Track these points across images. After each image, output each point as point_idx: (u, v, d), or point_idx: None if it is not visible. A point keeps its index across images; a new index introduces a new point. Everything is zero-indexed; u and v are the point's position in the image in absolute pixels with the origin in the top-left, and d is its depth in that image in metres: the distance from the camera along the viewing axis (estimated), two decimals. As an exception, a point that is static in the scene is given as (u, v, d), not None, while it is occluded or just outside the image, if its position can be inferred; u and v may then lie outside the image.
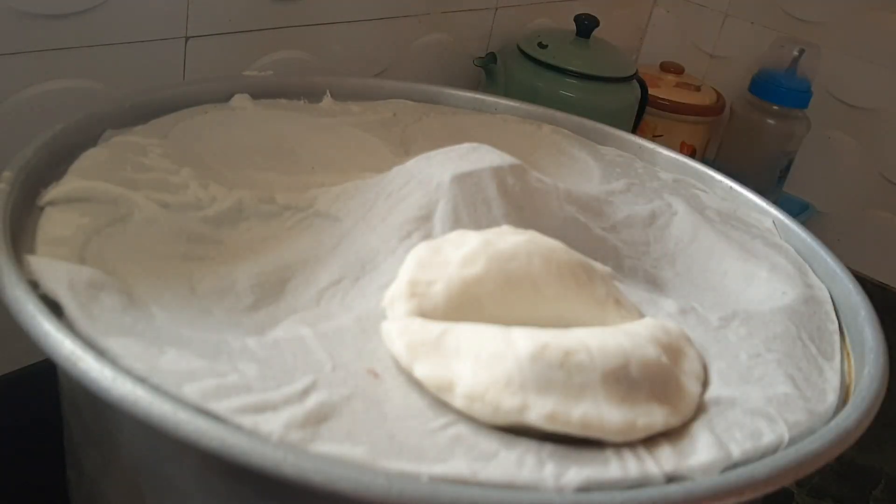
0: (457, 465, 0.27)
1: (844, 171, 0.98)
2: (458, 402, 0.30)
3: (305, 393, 0.29)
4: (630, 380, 0.31)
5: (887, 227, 0.97)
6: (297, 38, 0.65)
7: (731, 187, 0.53)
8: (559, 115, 0.59)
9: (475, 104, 0.60)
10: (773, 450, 0.31)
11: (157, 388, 0.27)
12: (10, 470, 0.53)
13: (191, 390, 0.28)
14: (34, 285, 0.31)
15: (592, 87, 0.79)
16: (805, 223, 0.56)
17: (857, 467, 0.75)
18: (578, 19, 0.82)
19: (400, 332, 0.32)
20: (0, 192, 0.35)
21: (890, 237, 0.98)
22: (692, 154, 0.97)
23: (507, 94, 0.73)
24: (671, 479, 0.29)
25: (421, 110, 0.57)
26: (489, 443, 0.29)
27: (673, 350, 0.34)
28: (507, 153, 0.44)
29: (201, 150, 0.45)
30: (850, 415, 0.33)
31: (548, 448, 0.29)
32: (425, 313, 0.33)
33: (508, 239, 0.36)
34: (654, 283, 0.43)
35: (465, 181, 0.41)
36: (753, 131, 0.96)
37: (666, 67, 1.01)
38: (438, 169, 0.41)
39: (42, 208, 0.37)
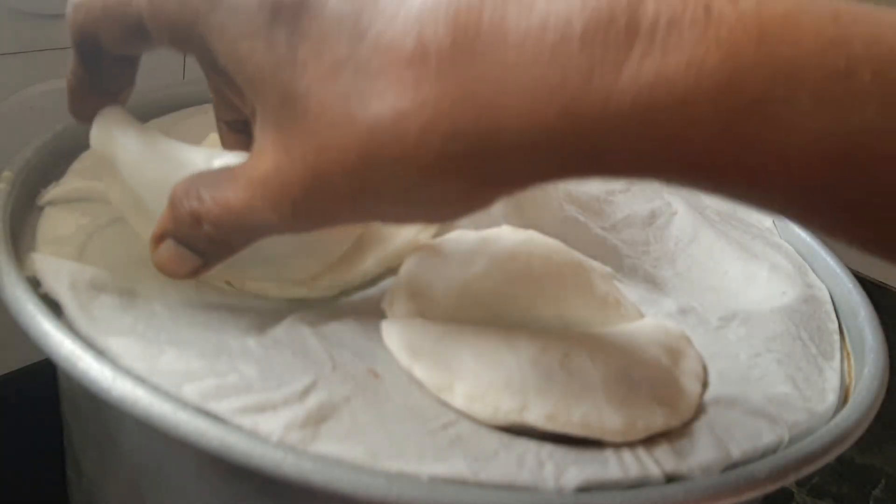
0: (457, 465, 0.27)
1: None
2: (458, 402, 0.30)
3: (305, 393, 0.29)
4: (630, 380, 0.31)
5: (887, 226, 0.97)
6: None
7: (731, 187, 0.53)
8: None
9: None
10: (773, 450, 0.31)
11: (156, 388, 0.27)
12: (10, 470, 0.53)
13: (191, 390, 0.28)
14: (34, 284, 0.31)
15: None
16: (805, 223, 0.55)
17: (857, 467, 0.75)
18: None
19: (400, 332, 0.32)
20: (0, 192, 0.35)
21: (890, 237, 0.98)
22: (692, 154, 0.97)
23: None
24: (671, 479, 0.29)
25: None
26: (489, 443, 0.29)
27: (673, 350, 0.34)
28: (507, 153, 0.44)
29: (201, 150, 0.45)
30: (850, 415, 0.33)
31: (548, 448, 0.29)
32: (425, 313, 0.33)
33: (508, 239, 0.36)
34: (654, 283, 0.43)
35: (465, 181, 0.41)
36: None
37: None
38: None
39: (42, 208, 0.37)
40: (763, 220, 0.51)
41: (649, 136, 0.23)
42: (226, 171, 0.29)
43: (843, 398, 0.36)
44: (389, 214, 0.28)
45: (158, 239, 0.31)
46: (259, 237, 0.29)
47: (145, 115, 0.46)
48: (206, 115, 0.49)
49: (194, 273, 0.31)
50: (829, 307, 0.42)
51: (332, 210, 0.27)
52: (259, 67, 0.26)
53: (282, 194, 0.27)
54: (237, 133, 0.37)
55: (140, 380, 0.28)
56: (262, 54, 0.26)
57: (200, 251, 0.31)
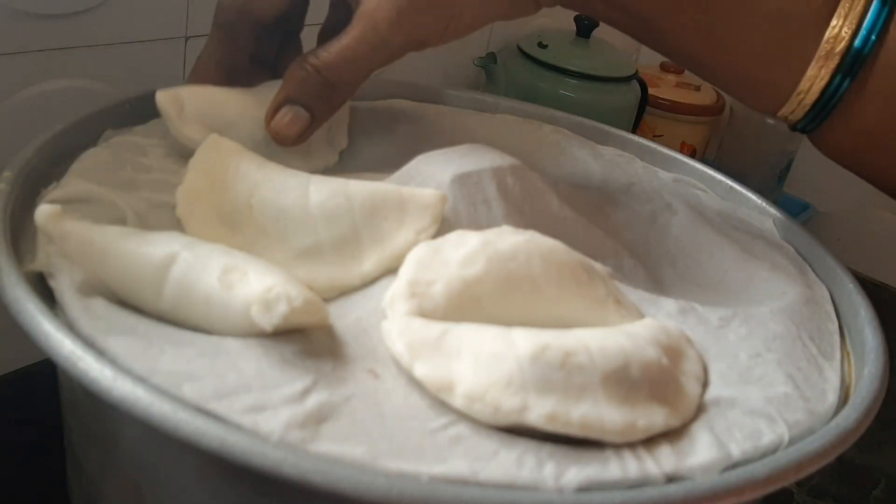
0: (457, 465, 0.27)
1: (844, 171, 0.97)
2: (458, 402, 0.30)
3: (305, 393, 0.29)
4: (630, 381, 0.31)
5: (887, 227, 0.97)
6: (297, 38, 0.65)
7: (731, 187, 0.53)
8: (559, 115, 0.59)
9: (475, 104, 0.60)
10: (773, 450, 0.31)
11: (156, 388, 0.27)
12: (10, 470, 0.53)
13: (191, 390, 0.28)
14: (34, 284, 0.31)
15: (592, 87, 0.79)
16: (805, 223, 0.56)
17: (857, 467, 0.75)
18: (578, 19, 0.82)
19: (400, 332, 0.32)
20: (0, 192, 0.35)
21: (890, 237, 0.98)
22: (692, 154, 0.97)
23: (507, 94, 0.73)
24: (671, 479, 0.29)
25: (421, 110, 0.57)
26: (489, 443, 0.29)
27: (673, 351, 0.34)
28: (507, 153, 0.44)
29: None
30: (850, 415, 0.33)
31: (548, 448, 0.29)
32: (425, 313, 0.33)
33: (508, 239, 0.36)
34: (654, 283, 0.43)
35: (465, 181, 0.41)
36: (753, 131, 0.96)
37: (666, 67, 1.01)
38: (439, 169, 0.41)
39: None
40: (763, 221, 0.51)
41: None
42: (337, 36, 0.39)
43: (844, 398, 0.36)
44: (466, 16, 0.40)
45: (274, 110, 0.41)
46: (366, 72, 0.40)
47: (145, 115, 0.46)
48: (206, 116, 0.49)
49: (305, 132, 0.41)
50: (829, 307, 0.42)
51: (419, 24, 0.39)
52: None
53: (381, 19, 0.38)
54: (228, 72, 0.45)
55: (140, 380, 0.28)
56: None
57: (311, 107, 0.40)
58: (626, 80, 0.80)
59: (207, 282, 0.31)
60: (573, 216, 0.44)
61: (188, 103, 0.43)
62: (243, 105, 0.45)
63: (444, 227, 0.38)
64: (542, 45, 0.78)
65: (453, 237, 0.36)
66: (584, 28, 0.81)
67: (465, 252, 0.34)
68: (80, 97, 0.52)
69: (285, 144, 0.41)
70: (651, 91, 0.88)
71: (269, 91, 0.46)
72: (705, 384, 0.34)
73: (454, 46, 0.79)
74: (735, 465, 0.30)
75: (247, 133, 0.44)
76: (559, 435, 0.29)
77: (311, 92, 0.40)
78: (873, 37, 0.38)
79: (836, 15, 0.38)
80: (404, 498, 0.26)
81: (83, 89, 0.52)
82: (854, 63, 0.38)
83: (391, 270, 0.36)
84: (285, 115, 0.40)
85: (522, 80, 0.77)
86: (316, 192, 0.38)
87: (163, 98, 0.43)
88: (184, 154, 0.42)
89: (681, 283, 0.44)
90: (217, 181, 0.39)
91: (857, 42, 0.38)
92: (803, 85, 0.39)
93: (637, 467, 0.29)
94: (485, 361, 0.30)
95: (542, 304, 0.35)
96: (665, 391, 0.32)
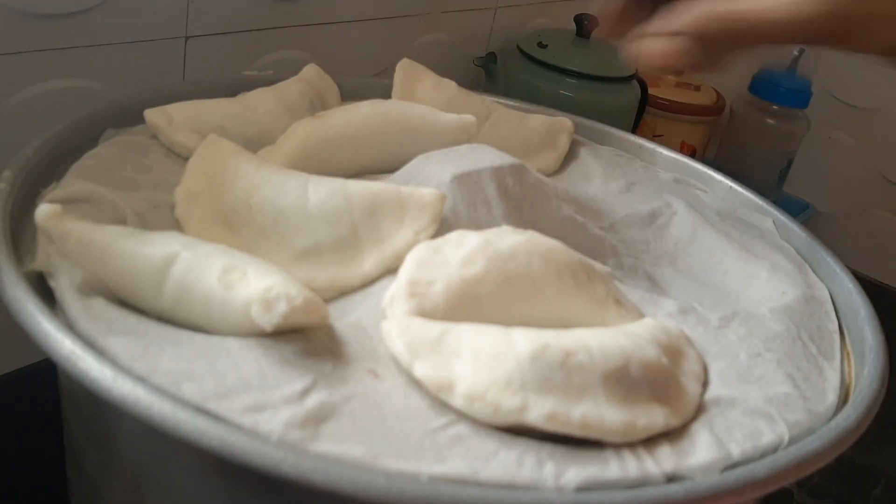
0: (457, 465, 0.27)
1: (844, 171, 0.98)
2: (458, 402, 0.30)
3: (305, 392, 0.29)
4: (630, 380, 0.31)
5: (887, 227, 0.97)
6: (297, 38, 0.65)
7: (731, 187, 0.53)
8: (559, 115, 0.59)
9: (475, 104, 0.59)
10: (773, 450, 0.31)
11: (157, 388, 0.27)
12: (10, 470, 0.53)
13: (190, 390, 0.28)
14: (34, 284, 0.31)
15: (592, 87, 0.79)
16: (805, 223, 0.56)
17: (857, 467, 0.75)
18: (578, 19, 0.82)
19: (400, 332, 0.32)
20: (0, 191, 0.35)
21: (890, 237, 0.98)
22: (692, 154, 0.97)
23: (507, 94, 0.73)
24: (671, 479, 0.29)
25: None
26: (489, 443, 0.29)
27: (673, 351, 0.34)
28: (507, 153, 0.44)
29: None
30: (850, 415, 0.33)
31: (547, 448, 0.29)
32: (425, 313, 0.33)
33: (508, 239, 0.36)
34: (654, 283, 0.43)
35: (464, 181, 0.41)
36: (753, 131, 0.96)
37: (666, 67, 1.01)
38: (438, 168, 0.41)
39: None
40: (763, 221, 0.51)
41: None
42: None
43: (844, 398, 0.36)
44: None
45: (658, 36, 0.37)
46: (768, 39, 0.36)
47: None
48: (206, 115, 0.49)
49: (672, 60, 0.38)
50: (829, 307, 0.42)
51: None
52: None
53: None
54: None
55: (140, 379, 0.28)
56: None
57: (688, 49, 0.37)
58: (626, 80, 0.80)
59: (207, 281, 0.31)
60: (573, 216, 0.44)
61: (176, 115, 0.45)
62: (229, 109, 0.47)
63: (443, 226, 0.38)
64: (542, 45, 0.78)
65: (453, 237, 0.36)
66: (584, 28, 0.81)
67: (464, 252, 0.34)
68: (80, 97, 0.52)
69: (648, 70, 0.39)
70: (651, 91, 0.88)
71: (252, 96, 0.48)
72: (705, 384, 0.34)
73: (454, 46, 0.79)
74: (735, 465, 0.30)
75: (237, 134, 0.45)
76: (559, 435, 0.29)
77: (702, 35, 0.36)
78: None
79: None
80: (404, 498, 0.26)
81: (83, 89, 0.52)
82: None
83: (391, 270, 0.36)
84: (669, 42, 0.37)
85: (522, 80, 0.77)
86: (315, 193, 0.38)
87: (151, 114, 0.45)
88: (184, 154, 0.42)
89: (680, 283, 0.44)
90: (216, 182, 0.39)
91: None
92: None
93: (637, 467, 0.29)
94: (485, 361, 0.30)
95: (542, 304, 0.35)
96: (665, 391, 0.32)
